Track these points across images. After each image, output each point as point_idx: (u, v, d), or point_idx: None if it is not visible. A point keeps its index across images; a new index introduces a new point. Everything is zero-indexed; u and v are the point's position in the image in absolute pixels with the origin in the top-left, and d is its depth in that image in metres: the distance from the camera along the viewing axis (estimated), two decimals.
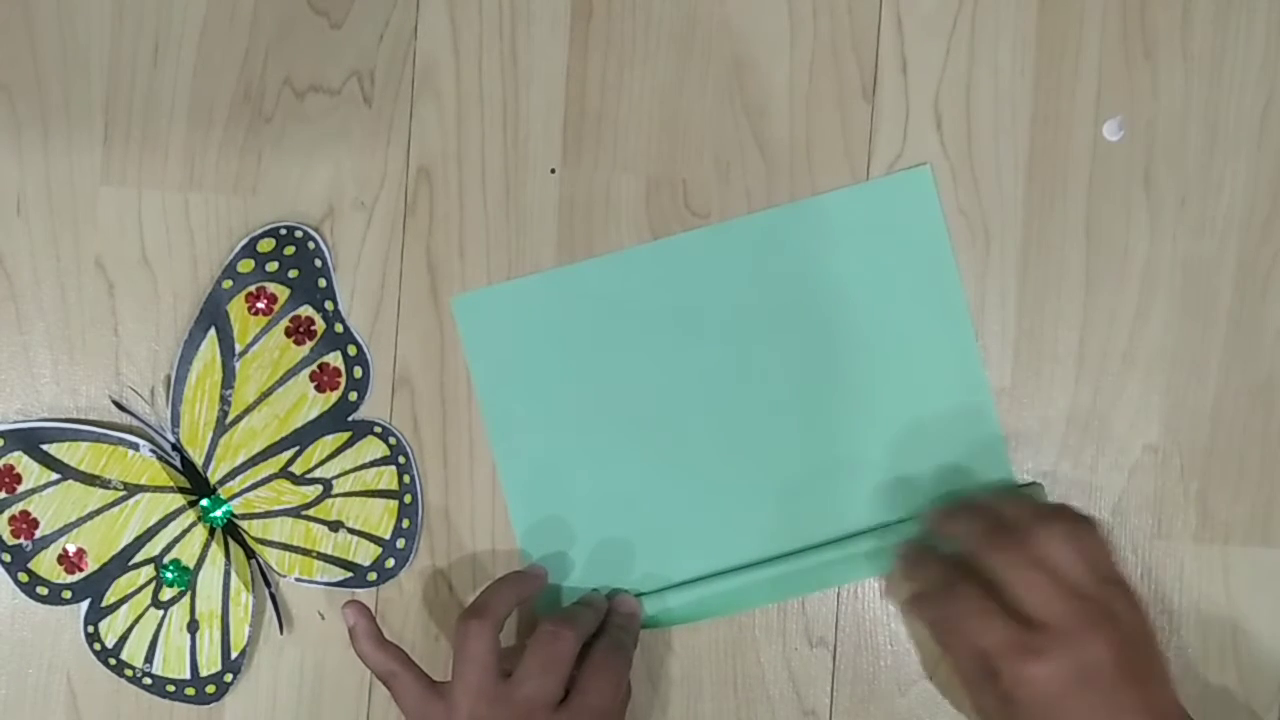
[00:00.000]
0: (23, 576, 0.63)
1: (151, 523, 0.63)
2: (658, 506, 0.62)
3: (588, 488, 0.63)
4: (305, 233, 0.63)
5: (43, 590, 0.63)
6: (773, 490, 0.62)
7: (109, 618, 0.63)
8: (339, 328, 0.63)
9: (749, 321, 0.62)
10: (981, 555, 0.56)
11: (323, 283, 0.63)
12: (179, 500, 0.63)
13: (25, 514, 0.63)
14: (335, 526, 0.63)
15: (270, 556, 0.63)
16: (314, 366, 0.63)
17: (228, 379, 0.62)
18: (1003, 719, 0.56)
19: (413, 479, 0.63)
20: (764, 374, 0.62)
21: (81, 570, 0.63)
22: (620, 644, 0.59)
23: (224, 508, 0.63)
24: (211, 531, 0.63)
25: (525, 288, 0.63)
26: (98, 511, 0.63)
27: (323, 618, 0.63)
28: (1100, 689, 0.53)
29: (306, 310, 0.63)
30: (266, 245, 0.62)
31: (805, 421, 0.62)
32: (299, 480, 0.63)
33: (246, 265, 0.62)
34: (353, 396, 0.63)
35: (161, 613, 0.63)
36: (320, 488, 0.63)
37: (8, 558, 0.63)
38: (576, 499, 0.63)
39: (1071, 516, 0.57)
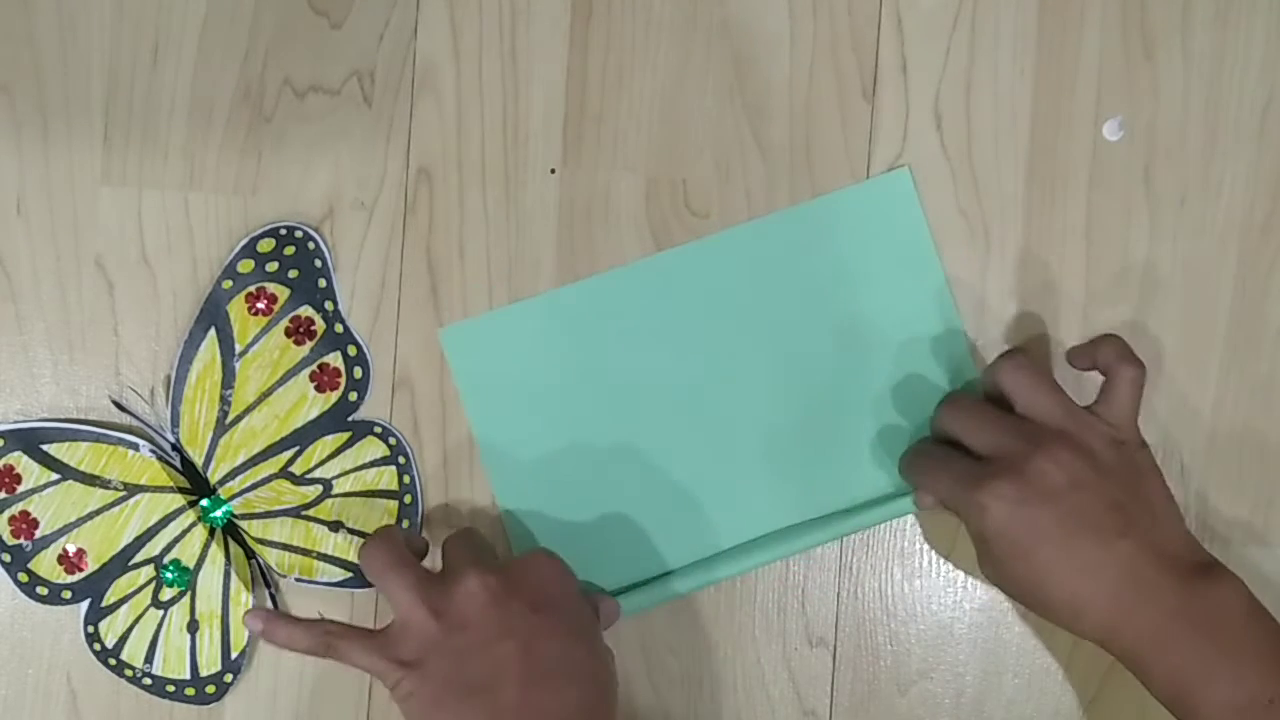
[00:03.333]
0: (23, 576, 0.63)
1: (151, 523, 0.63)
2: (656, 521, 0.62)
3: (585, 510, 0.62)
4: (305, 233, 0.63)
5: (43, 590, 0.63)
6: (773, 494, 0.62)
7: (109, 618, 0.63)
8: (339, 328, 0.63)
9: (740, 333, 0.62)
10: (938, 421, 0.59)
11: (323, 283, 0.63)
12: (179, 500, 0.63)
13: (25, 514, 0.63)
14: (335, 527, 0.63)
15: (270, 556, 0.63)
16: (314, 366, 0.63)
17: (228, 379, 0.62)
18: (989, 565, 0.56)
19: (413, 479, 0.63)
20: (758, 386, 0.62)
21: (81, 570, 0.63)
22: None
23: (224, 508, 0.63)
24: (211, 531, 0.63)
25: (513, 315, 0.62)
26: (98, 511, 0.63)
27: (322, 618, 0.63)
28: (1057, 506, 0.54)
29: (306, 310, 0.63)
30: (266, 245, 0.62)
31: (801, 426, 0.62)
32: (299, 480, 0.63)
33: (246, 265, 0.62)
34: (353, 396, 0.63)
35: (161, 613, 0.63)
36: (320, 488, 0.63)
37: (8, 558, 0.63)
38: (575, 524, 0.62)
39: (1010, 355, 0.59)
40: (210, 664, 0.63)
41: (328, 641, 0.56)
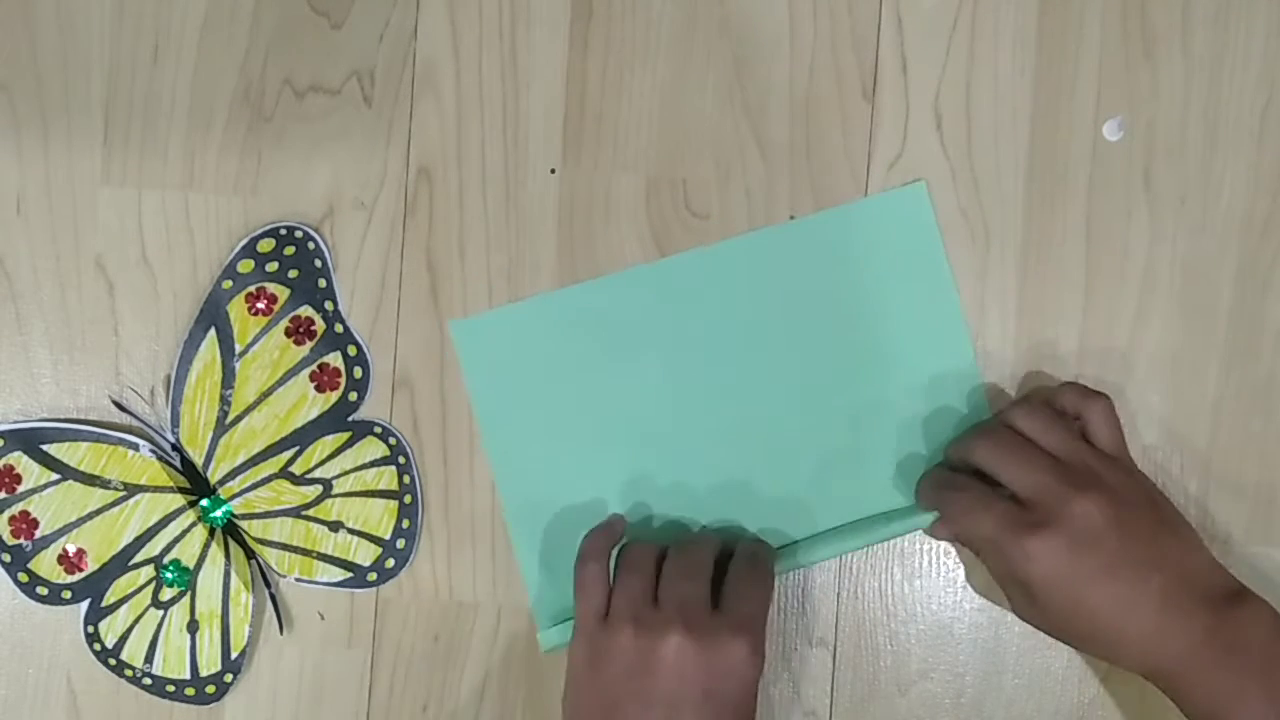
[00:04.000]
0: (23, 576, 0.63)
1: (151, 523, 0.63)
2: (656, 522, 0.62)
3: (588, 509, 0.62)
4: (305, 233, 0.63)
5: (43, 590, 0.63)
6: (777, 506, 0.62)
7: (109, 618, 0.63)
8: (339, 328, 0.63)
9: (749, 340, 0.62)
10: (970, 453, 0.59)
11: (323, 283, 0.63)
12: (179, 500, 0.63)
13: (25, 514, 0.63)
14: (335, 527, 0.63)
15: (270, 556, 0.63)
16: (314, 367, 0.63)
17: (228, 379, 0.62)
18: (1030, 606, 0.57)
19: (413, 479, 0.63)
20: (765, 393, 0.62)
21: (81, 570, 0.63)
22: (758, 556, 0.60)
23: (224, 508, 0.63)
24: (211, 531, 0.63)
25: (524, 310, 0.63)
26: (98, 511, 0.63)
27: (322, 618, 0.63)
28: (1102, 549, 0.55)
29: (306, 310, 0.63)
30: (266, 245, 0.62)
31: (807, 436, 0.62)
32: (299, 480, 0.63)
33: (246, 265, 0.62)
34: (353, 396, 0.63)
35: (161, 613, 0.63)
36: (320, 488, 0.63)
37: (8, 558, 0.63)
38: (576, 523, 0.62)
39: (1039, 396, 0.60)
40: (210, 664, 0.63)
41: (600, 579, 0.59)
